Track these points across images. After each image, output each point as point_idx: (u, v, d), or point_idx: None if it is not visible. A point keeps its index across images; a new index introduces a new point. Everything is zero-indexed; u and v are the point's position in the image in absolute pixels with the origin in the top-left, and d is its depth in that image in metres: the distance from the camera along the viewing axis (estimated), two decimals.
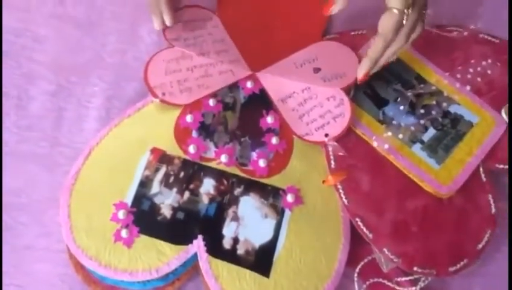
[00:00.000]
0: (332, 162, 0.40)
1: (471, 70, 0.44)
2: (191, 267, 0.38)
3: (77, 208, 0.38)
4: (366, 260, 0.39)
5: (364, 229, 0.38)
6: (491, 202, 0.40)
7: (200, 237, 0.38)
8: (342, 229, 0.39)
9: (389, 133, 0.41)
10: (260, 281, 0.37)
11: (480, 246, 0.38)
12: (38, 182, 0.40)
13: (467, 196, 0.40)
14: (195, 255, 0.38)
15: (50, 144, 0.41)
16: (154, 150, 0.40)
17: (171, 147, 0.40)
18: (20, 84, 0.43)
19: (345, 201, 0.39)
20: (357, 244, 0.39)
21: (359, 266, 0.39)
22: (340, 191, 0.39)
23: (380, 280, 0.39)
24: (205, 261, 0.37)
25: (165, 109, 0.41)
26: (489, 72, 0.44)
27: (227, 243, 0.38)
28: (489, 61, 0.44)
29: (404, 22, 0.37)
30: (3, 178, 0.40)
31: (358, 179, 0.40)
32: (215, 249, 0.38)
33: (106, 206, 0.38)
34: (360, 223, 0.38)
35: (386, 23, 0.37)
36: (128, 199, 0.39)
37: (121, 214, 0.38)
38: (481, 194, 0.40)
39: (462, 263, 0.38)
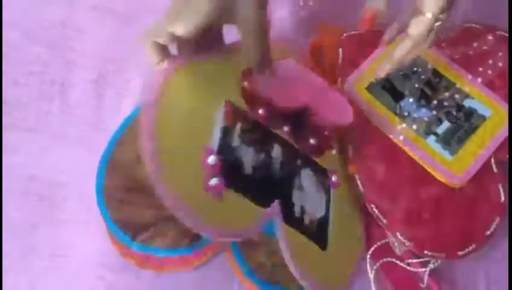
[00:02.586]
0: (350, 150, 0.43)
1: (484, 64, 0.45)
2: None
3: (164, 150, 0.32)
4: (379, 243, 0.41)
5: (379, 215, 0.41)
6: (501, 191, 0.42)
7: (276, 201, 0.35)
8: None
9: (404, 125, 0.43)
10: (320, 253, 0.37)
11: (488, 232, 0.40)
12: (79, 161, 0.44)
13: (478, 185, 0.42)
14: None
15: (90, 127, 0.45)
16: (228, 103, 0.37)
17: (242, 106, 0.38)
18: (63, 72, 0.46)
19: (361, 188, 0.42)
20: (370, 229, 0.41)
21: (372, 249, 0.41)
22: (357, 178, 0.42)
23: (393, 259, 0.41)
24: (280, 227, 0.35)
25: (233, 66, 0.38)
26: (502, 66, 0.45)
27: (297, 211, 0.37)
28: (503, 56, 0.45)
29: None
30: (48, 157, 0.44)
31: (374, 167, 0.42)
32: (288, 215, 0.36)
33: (192, 150, 0.33)
34: (374, 209, 0.41)
35: (418, 27, 0.35)
36: (214, 146, 0.34)
37: (211, 160, 0.33)
38: (492, 184, 0.42)
39: (470, 248, 0.40)
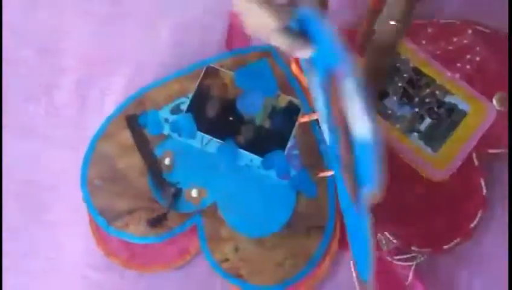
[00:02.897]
0: None
1: (462, 59, 0.46)
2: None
3: None
4: None
5: None
6: (483, 184, 0.42)
7: None
8: None
9: (388, 123, 0.44)
10: None
11: (472, 225, 0.41)
12: (64, 162, 0.44)
13: (461, 180, 0.42)
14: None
15: (75, 128, 0.45)
16: None
17: None
18: (49, 74, 0.47)
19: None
20: None
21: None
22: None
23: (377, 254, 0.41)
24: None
25: None
26: (480, 61, 0.45)
27: None
28: (481, 51, 0.46)
29: None
30: (35, 158, 0.44)
31: None
32: None
33: None
34: None
35: (381, 35, 0.36)
36: None
37: None
38: (474, 178, 0.42)
39: (456, 241, 0.40)
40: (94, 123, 0.44)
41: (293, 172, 0.42)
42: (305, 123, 0.43)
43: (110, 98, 0.46)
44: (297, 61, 0.45)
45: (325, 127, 0.39)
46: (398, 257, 0.41)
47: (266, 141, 0.43)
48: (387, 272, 0.41)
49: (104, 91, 0.46)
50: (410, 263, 0.40)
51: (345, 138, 0.30)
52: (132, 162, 0.42)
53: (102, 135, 0.43)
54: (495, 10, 0.48)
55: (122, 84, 0.46)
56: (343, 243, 0.42)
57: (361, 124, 0.26)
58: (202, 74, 0.44)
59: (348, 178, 0.33)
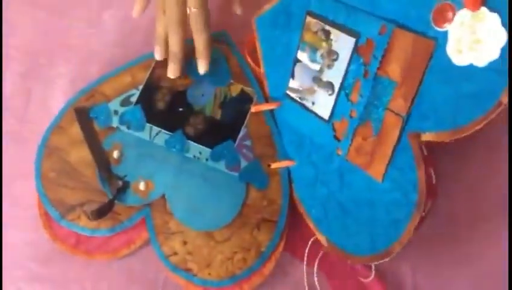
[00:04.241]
0: None
1: None
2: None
3: None
4: (313, 238, 0.40)
5: None
6: (432, 173, 0.42)
7: None
8: None
9: None
10: None
11: (423, 214, 0.41)
12: (8, 156, 0.43)
13: None
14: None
15: (19, 122, 0.44)
16: None
17: None
18: None
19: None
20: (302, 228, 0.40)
21: (308, 247, 0.40)
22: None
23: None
24: None
25: None
26: None
27: None
28: None
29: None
30: None
31: None
32: None
33: None
34: None
35: None
36: None
37: None
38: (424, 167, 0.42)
39: None
40: (40, 115, 0.43)
41: (243, 163, 0.41)
42: (258, 112, 0.42)
43: (57, 92, 0.45)
44: (249, 49, 0.44)
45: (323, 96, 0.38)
46: None
47: (216, 132, 0.42)
48: (346, 270, 0.40)
49: (50, 84, 0.45)
50: None
51: (408, 85, 0.35)
52: (83, 155, 0.41)
53: (55, 127, 0.42)
54: None
55: (70, 76, 0.45)
56: (290, 246, 0.40)
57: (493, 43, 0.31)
58: (153, 64, 0.43)
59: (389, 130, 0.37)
